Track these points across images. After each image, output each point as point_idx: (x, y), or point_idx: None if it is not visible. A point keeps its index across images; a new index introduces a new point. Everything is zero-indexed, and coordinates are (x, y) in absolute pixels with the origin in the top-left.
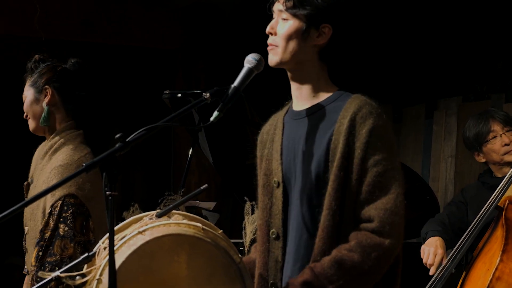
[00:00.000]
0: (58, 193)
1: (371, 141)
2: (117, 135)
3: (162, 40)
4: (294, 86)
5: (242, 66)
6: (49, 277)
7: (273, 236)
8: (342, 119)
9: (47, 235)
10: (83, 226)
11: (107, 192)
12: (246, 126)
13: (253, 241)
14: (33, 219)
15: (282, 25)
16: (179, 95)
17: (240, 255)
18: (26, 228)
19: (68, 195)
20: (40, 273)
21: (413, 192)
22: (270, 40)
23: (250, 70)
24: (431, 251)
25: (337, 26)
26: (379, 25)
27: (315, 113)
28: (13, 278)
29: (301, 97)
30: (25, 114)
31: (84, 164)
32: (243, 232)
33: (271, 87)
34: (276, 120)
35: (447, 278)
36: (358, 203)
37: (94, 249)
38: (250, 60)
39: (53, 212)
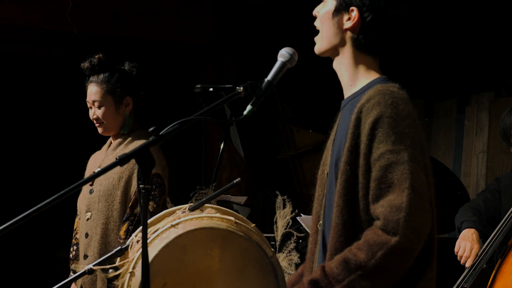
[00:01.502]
0: None
1: (373, 133)
2: (151, 129)
3: (194, 34)
4: (338, 74)
5: (272, 60)
6: (83, 270)
7: (320, 227)
8: (355, 111)
9: (137, 210)
10: (164, 204)
11: (141, 186)
12: (278, 120)
13: (284, 235)
14: (104, 201)
15: (321, 7)
16: (211, 89)
17: (272, 249)
18: (88, 214)
19: (155, 175)
20: (73, 266)
21: (444, 187)
22: (315, 22)
23: (284, 64)
24: (467, 246)
25: (363, 11)
26: (411, 20)
27: (348, 103)
28: (61, 271)
29: (344, 87)
30: (96, 117)
31: (117, 158)
32: (274, 226)
33: (302, 82)
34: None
35: (478, 273)
36: (369, 200)
37: (127, 242)
38: (283, 54)
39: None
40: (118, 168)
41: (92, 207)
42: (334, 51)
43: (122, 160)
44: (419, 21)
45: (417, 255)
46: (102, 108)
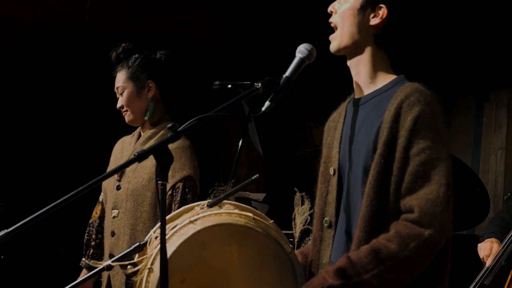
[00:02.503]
0: (178, 174)
1: (415, 129)
2: (169, 125)
3: (212, 31)
4: (352, 72)
5: (292, 57)
6: (101, 266)
7: (326, 224)
8: (390, 107)
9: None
10: None
11: (159, 182)
12: (296, 117)
13: (303, 232)
14: (132, 201)
15: (341, 4)
16: (229, 86)
17: (290, 245)
18: (115, 211)
19: (188, 178)
20: (92, 262)
21: (463, 184)
22: (331, 18)
23: (302, 60)
24: (487, 246)
25: (392, 8)
26: (430, 16)
27: (370, 101)
28: (60, 267)
29: (360, 85)
30: (120, 105)
31: (135, 154)
32: (292, 223)
33: (321, 78)
34: (342, 108)
35: (498, 270)
36: (400, 193)
37: (145, 239)
38: (302, 50)
39: (174, 194)
40: (149, 168)
41: (119, 205)
42: (354, 48)
43: (140, 157)
44: (437, 17)
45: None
46: (124, 94)
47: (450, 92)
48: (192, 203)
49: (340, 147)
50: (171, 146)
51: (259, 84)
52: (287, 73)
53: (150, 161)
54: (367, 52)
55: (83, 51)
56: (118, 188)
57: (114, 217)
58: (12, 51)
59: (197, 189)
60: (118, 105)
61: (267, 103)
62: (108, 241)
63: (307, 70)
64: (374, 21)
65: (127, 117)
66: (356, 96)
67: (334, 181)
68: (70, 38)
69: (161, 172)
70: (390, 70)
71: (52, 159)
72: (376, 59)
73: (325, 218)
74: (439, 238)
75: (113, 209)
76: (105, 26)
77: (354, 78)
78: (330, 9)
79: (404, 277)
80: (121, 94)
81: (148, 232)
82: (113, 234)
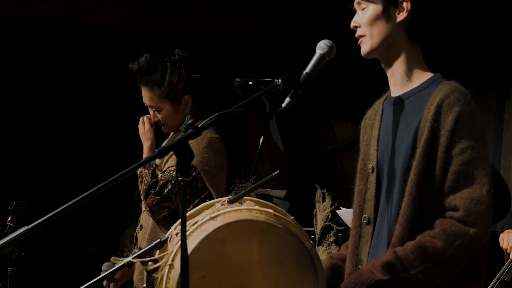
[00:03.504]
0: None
1: (457, 128)
2: (189, 121)
3: (233, 28)
4: (388, 73)
5: (312, 54)
6: (122, 263)
7: (365, 221)
8: (430, 106)
9: None
10: None
11: (179, 178)
12: (317, 114)
13: (324, 228)
14: None
15: (363, 15)
16: (250, 82)
17: (311, 242)
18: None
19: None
20: (112, 259)
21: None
22: (357, 32)
23: (322, 57)
24: (510, 236)
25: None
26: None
27: (408, 99)
28: (87, 266)
29: (396, 83)
30: (156, 119)
31: (156, 150)
32: (313, 220)
33: (342, 75)
34: (377, 106)
35: None
36: (443, 191)
37: (166, 235)
38: (322, 46)
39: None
40: (175, 162)
41: None
42: (387, 50)
43: (160, 153)
44: (457, 14)
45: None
46: (162, 113)
47: (471, 89)
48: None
49: (378, 144)
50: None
51: (280, 81)
52: (307, 70)
53: None
54: (401, 50)
55: (103, 48)
56: None
57: (143, 210)
58: (30, 48)
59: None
60: (154, 119)
61: (287, 100)
62: (138, 235)
63: (328, 66)
64: (400, 17)
65: (166, 128)
66: (393, 95)
67: (372, 178)
68: (91, 36)
69: (182, 168)
70: (425, 67)
71: (74, 156)
72: (411, 56)
73: (364, 215)
74: (483, 236)
75: (142, 203)
76: (126, 23)
77: (390, 79)
78: (353, 25)
79: (448, 273)
80: (157, 111)
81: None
82: (141, 227)
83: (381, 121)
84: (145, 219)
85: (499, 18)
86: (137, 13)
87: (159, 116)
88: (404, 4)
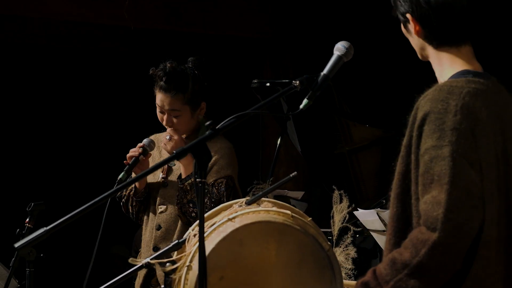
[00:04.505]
0: (223, 172)
1: (422, 129)
2: (207, 123)
3: (251, 29)
4: None
5: (330, 55)
6: (140, 263)
7: None
8: (414, 108)
9: None
10: None
11: (197, 179)
12: (334, 115)
13: (341, 230)
14: None
15: None
16: (268, 84)
17: (329, 243)
18: (163, 207)
19: (230, 177)
20: (130, 260)
21: None
22: None
23: (339, 58)
24: None
25: (413, 11)
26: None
27: (416, 104)
28: (116, 267)
29: None
30: (170, 124)
31: (174, 152)
32: (331, 221)
33: (359, 76)
34: None
35: None
36: (419, 195)
37: (184, 236)
38: (339, 47)
39: (215, 185)
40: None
41: (167, 200)
42: (424, 59)
43: (178, 154)
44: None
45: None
46: (181, 118)
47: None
48: (227, 200)
49: None
50: (216, 147)
51: (297, 82)
52: (325, 71)
53: None
54: (430, 55)
55: (122, 49)
56: (165, 185)
57: (161, 212)
58: (47, 49)
59: (235, 190)
60: (168, 123)
61: (305, 101)
62: (151, 234)
63: (346, 67)
64: (413, 30)
65: (178, 132)
66: None
67: None
68: (109, 37)
69: (200, 169)
70: (458, 65)
71: (91, 157)
72: (439, 58)
73: None
74: (451, 240)
75: (160, 204)
76: (144, 25)
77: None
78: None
79: (426, 284)
80: (175, 116)
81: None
82: (159, 227)
83: None
84: (165, 220)
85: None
86: (155, 14)
87: (175, 120)
88: (409, 17)
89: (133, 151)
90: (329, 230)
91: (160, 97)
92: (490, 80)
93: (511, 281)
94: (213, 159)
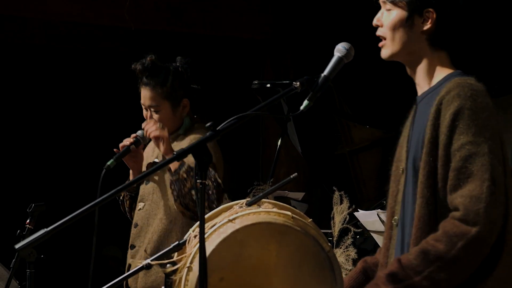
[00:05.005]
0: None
1: (454, 124)
2: (208, 124)
3: (251, 30)
4: (411, 74)
5: (331, 56)
6: (141, 265)
7: (395, 223)
8: (434, 104)
9: None
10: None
11: (198, 181)
12: (335, 116)
13: (341, 231)
14: (158, 192)
15: (387, 16)
16: (268, 85)
17: (329, 244)
18: (141, 204)
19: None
20: (131, 261)
21: None
22: (378, 32)
23: (340, 59)
24: None
25: (441, 8)
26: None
27: (423, 99)
28: (109, 268)
29: (419, 84)
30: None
31: (174, 152)
32: (331, 222)
33: (360, 77)
34: (414, 107)
35: None
36: (447, 190)
37: (185, 237)
38: (340, 49)
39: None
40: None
41: (146, 198)
42: (408, 56)
43: (179, 155)
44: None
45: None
46: (160, 113)
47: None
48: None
49: (408, 146)
50: (192, 139)
51: (298, 83)
52: (325, 72)
53: None
54: (422, 56)
55: (122, 50)
56: (147, 182)
57: (139, 209)
58: (48, 50)
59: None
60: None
61: (305, 102)
62: (131, 233)
63: (346, 68)
64: (425, 27)
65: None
66: (418, 95)
67: (403, 180)
68: (109, 37)
69: (200, 170)
70: (448, 65)
71: (93, 159)
72: (432, 60)
73: (394, 217)
74: (488, 234)
75: (139, 202)
76: (145, 25)
77: (414, 79)
78: (375, 22)
79: (456, 276)
80: (155, 112)
81: (171, 223)
82: (136, 225)
83: (412, 122)
84: (141, 217)
85: None
86: (156, 15)
87: (156, 116)
88: (430, 14)
89: (126, 140)
90: (329, 231)
91: (141, 94)
92: None
93: None
94: None
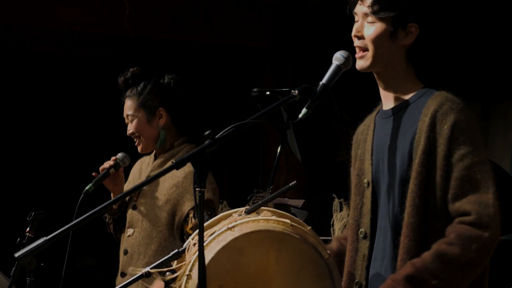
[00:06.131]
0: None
1: (454, 136)
2: (206, 132)
3: (251, 38)
4: (381, 86)
5: (329, 63)
6: (140, 273)
7: (361, 235)
8: (424, 117)
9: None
10: None
11: (197, 189)
12: (334, 123)
13: None
14: (148, 221)
15: (368, 28)
16: (268, 92)
17: (328, 251)
18: (130, 230)
19: (208, 201)
20: (130, 269)
21: (501, 189)
22: (357, 42)
23: (338, 67)
24: None
25: (424, 24)
26: (466, 22)
27: (400, 111)
28: (89, 279)
29: (388, 97)
30: (131, 132)
31: (173, 161)
32: (331, 229)
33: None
34: (369, 120)
35: None
36: (448, 199)
37: (184, 245)
38: (338, 57)
39: (196, 215)
40: (166, 189)
41: (135, 224)
42: (385, 69)
43: (178, 164)
44: (474, 24)
45: None
46: (134, 122)
47: (488, 97)
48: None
49: (372, 159)
50: (186, 169)
51: (296, 91)
52: (324, 80)
53: (167, 183)
54: (398, 69)
55: (122, 58)
56: (134, 207)
57: (129, 236)
58: (49, 57)
59: (214, 212)
60: (129, 132)
61: (304, 110)
62: (121, 259)
63: (345, 76)
64: (406, 41)
65: (139, 145)
66: (385, 108)
67: (368, 192)
68: (109, 45)
69: (199, 179)
70: (417, 80)
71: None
72: (407, 72)
73: (360, 229)
74: (497, 238)
75: (128, 228)
76: (144, 33)
77: (382, 92)
78: (355, 33)
79: (468, 278)
80: (131, 121)
81: (162, 252)
82: (125, 252)
83: (373, 135)
84: (131, 244)
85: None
86: (156, 23)
87: (131, 126)
88: (413, 29)
89: (106, 163)
90: (329, 238)
91: (124, 106)
92: None
93: None
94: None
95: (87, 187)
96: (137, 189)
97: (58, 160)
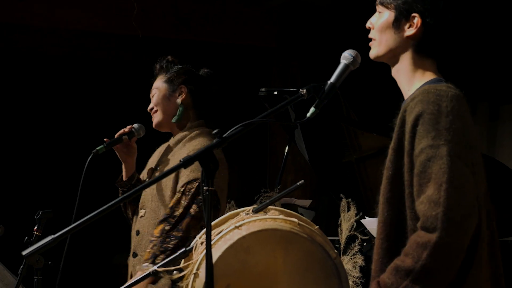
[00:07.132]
0: (193, 174)
1: (415, 129)
2: (214, 131)
3: (258, 38)
4: (396, 80)
5: (338, 63)
6: (147, 271)
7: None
8: (401, 112)
9: (178, 212)
10: None
11: (204, 187)
12: (342, 123)
13: (349, 238)
14: (156, 200)
15: (378, 18)
16: (276, 92)
17: (336, 251)
18: (142, 211)
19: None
20: (138, 268)
21: (508, 190)
22: (370, 34)
23: (346, 66)
24: None
25: (425, 16)
26: (475, 20)
27: (402, 107)
28: (122, 276)
29: (403, 92)
30: (151, 106)
31: (181, 160)
32: (338, 229)
33: (368, 84)
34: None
35: None
36: (415, 197)
37: (191, 244)
38: (346, 56)
39: (186, 192)
40: (169, 165)
41: (146, 205)
42: (392, 58)
43: (185, 163)
44: (482, 22)
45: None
46: (156, 95)
47: (497, 98)
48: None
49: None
50: (192, 147)
51: (304, 91)
52: (332, 79)
53: (175, 162)
54: (405, 61)
55: (130, 58)
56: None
57: (141, 216)
58: (56, 58)
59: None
60: (149, 107)
61: (312, 109)
62: (132, 240)
63: (353, 75)
64: (410, 32)
65: (155, 118)
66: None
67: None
68: (117, 45)
69: (207, 177)
70: (429, 75)
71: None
72: (415, 67)
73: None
74: (452, 239)
75: (140, 208)
76: (152, 33)
77: (400, 86)
78: (368, 25)
79: (433, 286)
80: (153, 96)
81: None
82: (137, 233)
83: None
84: (143, 225)
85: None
86: (163, 23)
87: (153, 100)
88: (415, 20)
89: (121, 130)
90: (336, 238)
91: None
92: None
93: (495, 282)
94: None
95: (97, 148)
96: (144, 188)
97: (66, 159)
